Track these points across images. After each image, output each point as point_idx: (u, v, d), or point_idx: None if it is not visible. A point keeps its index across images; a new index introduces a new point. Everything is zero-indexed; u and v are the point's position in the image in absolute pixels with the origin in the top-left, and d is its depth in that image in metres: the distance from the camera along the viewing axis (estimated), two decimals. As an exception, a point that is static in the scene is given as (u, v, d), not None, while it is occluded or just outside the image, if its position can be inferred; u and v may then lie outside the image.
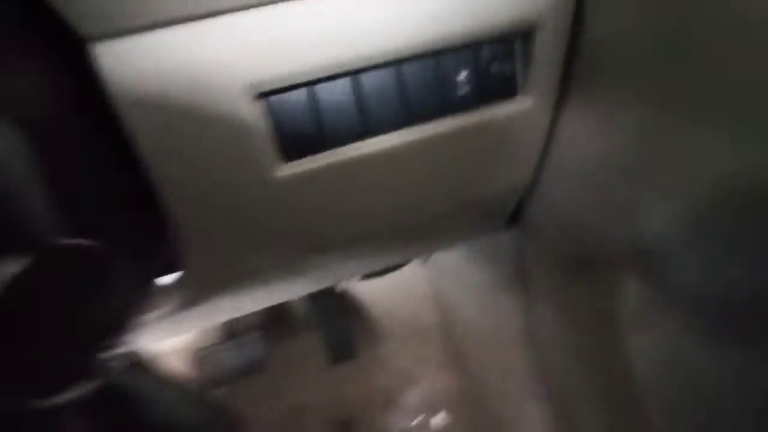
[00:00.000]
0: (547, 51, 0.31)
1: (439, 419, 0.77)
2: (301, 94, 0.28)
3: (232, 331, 0.73)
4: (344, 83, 0.29)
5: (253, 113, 0.27)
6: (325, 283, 0.45)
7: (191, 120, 0.26)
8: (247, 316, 0.74)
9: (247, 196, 0.29)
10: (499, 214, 0.43)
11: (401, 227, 0.37)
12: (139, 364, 0.19)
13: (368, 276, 0.57)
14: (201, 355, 0.72)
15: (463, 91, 0.31)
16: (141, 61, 0.23)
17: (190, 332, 0.72)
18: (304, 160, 0.29)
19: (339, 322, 0.73)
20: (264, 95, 0.27)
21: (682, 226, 0.28)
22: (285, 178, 0.29)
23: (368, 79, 0.29)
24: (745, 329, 0.26)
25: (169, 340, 0.72)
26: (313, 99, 0.28)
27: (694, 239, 0.27)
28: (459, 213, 0.38)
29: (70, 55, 0.22)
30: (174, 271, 0.36)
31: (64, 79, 0.21)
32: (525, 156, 0.36)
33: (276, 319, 0.76)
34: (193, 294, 0.37)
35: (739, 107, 0.23)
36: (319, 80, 0.28)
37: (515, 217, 0.47)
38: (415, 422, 0.74)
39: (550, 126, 0.35)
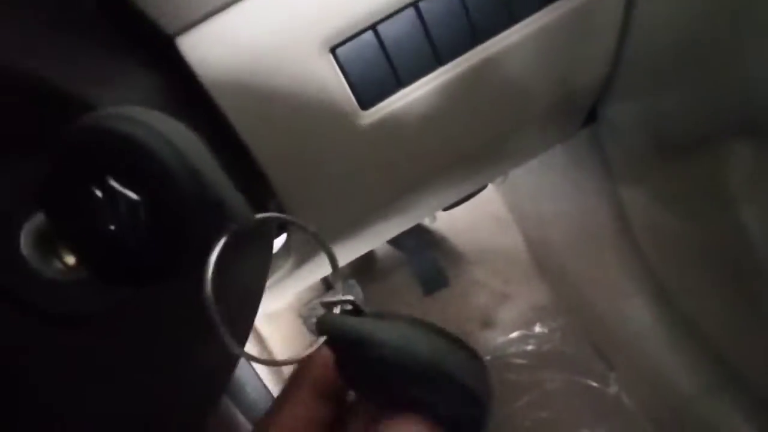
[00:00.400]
0: None
1: (536, 331, 0.79)
2: (368, 39, 0.28)
3: (328, 283, 0.78)
4: (407, 16, 0.28)
5: (330, 67, 0.27)
6: (415, 221, 0.47)
7: (277, 87, 0.27)
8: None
9: (336, 149, 0.30)
10: (577, 115, 0.41)
11: (482, 150, 0.37)
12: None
13: (448, 207, 0.58)
14: (306, 312, 0.77)
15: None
16: (223, 42, 0.24)
17: (293, 294, 0.77)
18: (382, 104, 0.30)
19: (426, 254, 0.75)
20: (336, 47, 0.27)
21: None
22: (368, 125, 0.30)
23: (429, 5, 0.28)
24: None
25: (273, 302, 0.78)
26: (380, 40, 0.28)
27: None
28: (538, 121, 0.37)
29: (163, 56, 0.24)
30: (281, 234, 0.38)
31: (165, 79, 0.23)
32: (602, 43, 0.34)
33: (364, 265, 0.79)
34: (300, 255, 0.40)
35: None
36: (383, 20, 0.28)
37: (591, 118, 0.45)
38: (514, 335, 0.77)
39: (626, 8, 0.32)
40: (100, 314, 0.15)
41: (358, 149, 0.31)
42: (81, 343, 0.15)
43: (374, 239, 0.45)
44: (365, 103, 0.29)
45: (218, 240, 0.13)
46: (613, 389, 0.69)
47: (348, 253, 0.45)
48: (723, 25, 0.28)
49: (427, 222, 0.79)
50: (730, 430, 0.49)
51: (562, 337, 0.76)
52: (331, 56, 0.27)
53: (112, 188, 0.12)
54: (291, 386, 0.21)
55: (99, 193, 0.12)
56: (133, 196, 0.12)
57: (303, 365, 0.22)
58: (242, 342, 0.26)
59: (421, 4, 0.28)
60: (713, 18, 0.29)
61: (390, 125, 0.30)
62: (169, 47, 0.24)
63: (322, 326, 0.18)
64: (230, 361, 0.24)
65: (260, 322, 0.80)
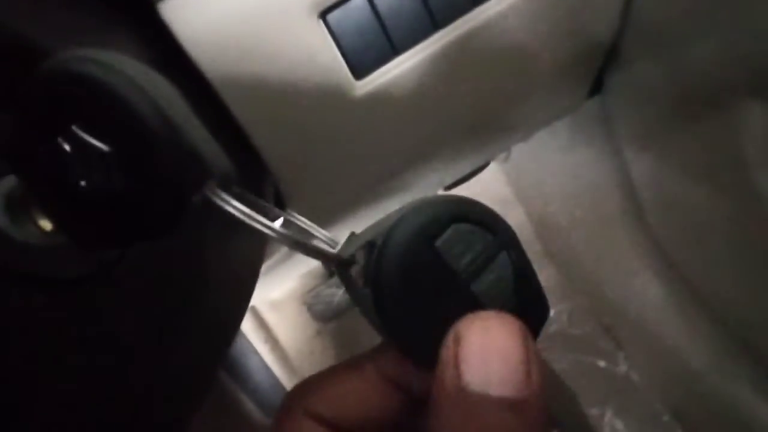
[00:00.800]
0: None
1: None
2: (360, 3, 0.27)
3: (331, 270, 0.77)
4: None
5: (319, 34, 0.26)
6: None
7: (263, 53, 0.26)
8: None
9: (329, 121, 0.29)
10: (585, 80, 0.40)
11: (485, 120, 0.36)
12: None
13: (449, 187, 0.57)
14: (310, 299, 0.77)
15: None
16: (207, 7, 0.23)
17: (296, 278, 0.77)
18: (376, 73, 0.29)
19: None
20: (326, 12, 0.26)
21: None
22: (362, 95, 0.29)
23: None
24: None
25: (277, 290, 0.78)
26: (372, 5, 0.27)
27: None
28: (545, 87, 0.36)
29: (145, 23, 0.23)
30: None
31: (148, 47, 0.22)
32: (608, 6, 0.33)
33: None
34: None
35: None
36: None
37: (596, 89, 0.44)
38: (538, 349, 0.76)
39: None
40: (83, 279, 0.15)
41: (352, 121, 0.30)
42: (63, 310, 0.14)
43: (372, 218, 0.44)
44: (359, 72, 0.28)
45: (198, 194, 0.12)
46: (622, 368, 0.68)
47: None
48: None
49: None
50: (741, 404, 0.48)
51: (569, 317, 0.75)
52: (321, 22, 0.26)
53: (79, 139, 0.11)
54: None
55: (66, 147, 0.12)
56: (102, 146, 0.11)
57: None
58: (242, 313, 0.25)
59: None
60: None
61: (386, 95, 0.29)
62: (151, 13, 0.23)
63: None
64: (231, 315, 0.23)
65: (265, 309, 0.79)
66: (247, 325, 0.76)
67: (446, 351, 0.14)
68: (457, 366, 0.14)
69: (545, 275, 0.76)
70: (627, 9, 0.34)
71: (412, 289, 0.15)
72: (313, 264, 0.59)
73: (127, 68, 0.12)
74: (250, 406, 0.68)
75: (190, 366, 0.18)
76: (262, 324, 0.78)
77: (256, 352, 0.75)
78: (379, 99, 0.29)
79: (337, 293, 0.75)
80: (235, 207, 0.13)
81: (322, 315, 0.78)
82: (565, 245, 0.70)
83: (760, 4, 0.26)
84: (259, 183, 0.31)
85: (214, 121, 0.26)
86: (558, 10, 0.31)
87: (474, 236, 0.17)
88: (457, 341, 0.14)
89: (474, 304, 0.16)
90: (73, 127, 0.11)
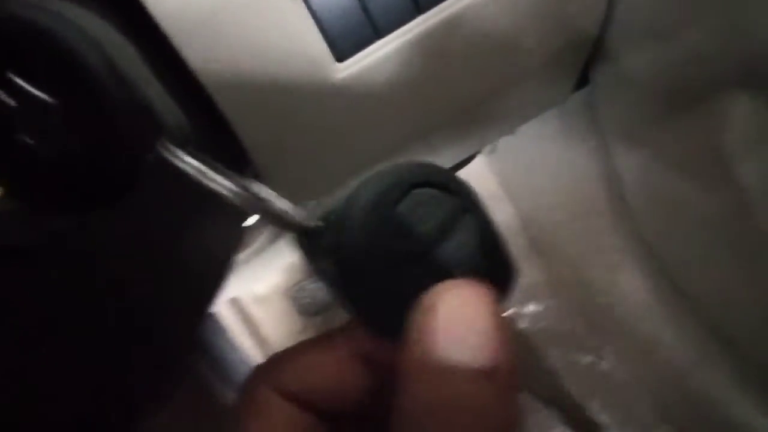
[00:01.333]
0: None
1: (530, 309, 0.78)
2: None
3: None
4: None
5: (301, 14, 0.26)
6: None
7: (243, 35, 0.25)
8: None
9: (310, 105, 0.29)
10: (573, 70, 0.40)
11: (471, 109, 0.35)
12: None
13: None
14: (295, 293, 0.76)
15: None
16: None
17: (281, 271, 0.76)
18: (359, 55, 0.28)
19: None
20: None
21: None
22: (344, 78, 0.28)
23: None
24: None
25: (262, 284, 0.77)
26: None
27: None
28: (532, 76, 0.36)
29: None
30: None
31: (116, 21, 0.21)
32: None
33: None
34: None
35: None
36: None
37: (583, 81, 0.44)
38: (506, 314, 0.76)
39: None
40: (35, 248, 0.14)
41: (334, 105, 0.29)
42: (16, 281, 0.14)
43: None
44: (341, 54, 0.28)
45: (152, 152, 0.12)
46: (607, 364, 0.68)
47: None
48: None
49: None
50: (725, 400, 0.48)
51: (556, 314, 0.75)
52: (302, 2, 0.26)
53: (22, 90, 0.11)
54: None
55: (9, 100, 0.11)
56: (47, 98, 0.11)
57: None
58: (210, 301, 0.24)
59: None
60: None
61: (368, 79, 0.29)
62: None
63: None
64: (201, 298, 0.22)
65: (251, 304, 0.79)
66: (231, 320, 0.75)
67: (414, 323, 0.14)
68: (426, 337, 0.13)
69: (534, 272, 0.76)
70: (613, 0, 0.33)
71: (375, 258, 0.15)
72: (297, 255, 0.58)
73: (77, 18, 0.11)
74: (233, 401, 0.67)
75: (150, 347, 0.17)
76: (247, 319, 0.77)
77: (240, 348, 0.74)
78: (360, 82, 0.29)
79: (323, 286, 0.74)
80: (190, 164, 0.12)
81: (308, 309, 0.77)
82: (552, 241, 0.70)
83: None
84: (238, 169, 0.30)
85: (192, 104, 0.25)
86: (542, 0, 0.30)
87: (436, 200, 0.16)
88: (425, 312, 0.14)
89: (440, 271, 0.15)
90: (14, 76, 0.10)
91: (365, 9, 0.27)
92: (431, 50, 0.29)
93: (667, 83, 0.36)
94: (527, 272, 0.79)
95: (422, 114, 0.33)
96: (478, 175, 0.76)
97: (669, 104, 0.37)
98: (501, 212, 0.78)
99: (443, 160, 0.45)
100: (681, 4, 0.30)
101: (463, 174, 0.60)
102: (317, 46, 0.27)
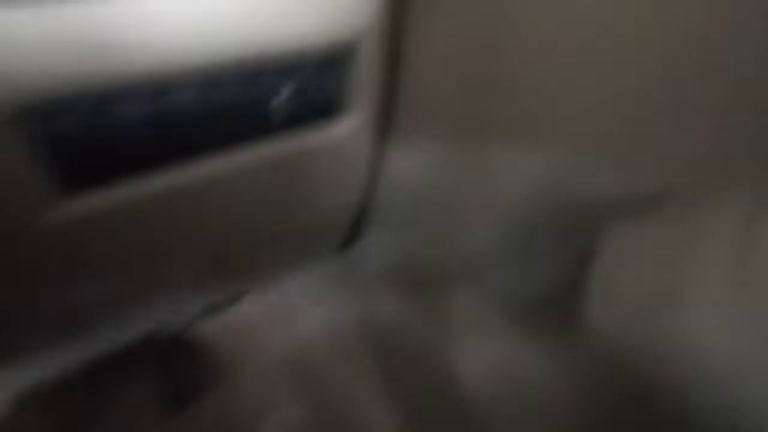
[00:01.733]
0: (367, 72, 0.31)
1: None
2: (87, 115, 0.24)
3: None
4: (144, 101, 0.25)
5: (21, 141, 0.22)
6: (149, 325, 0.41)
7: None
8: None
9: (21, 242, 0.24)
10: (333, 237, 0.43)
11: (227, 256, 0.35)
12: None
13: (208, 312, 0.53)
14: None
15: (281, 113, 0.30)
16: None
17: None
18: (91, 192, 0.25)
19: (183, 363, 0.66)
20: (34, 117, 0.22)
21: (502, 236, 0.31)
22: (68, 214, 0.25)
23: (171, 98, 0.26)
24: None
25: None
26: (103, 119, 0.25)
27: (511, 247, 0.30)
28: (290, 237, 0.37)
29: None
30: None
31: None
32: (352, 177, 0.37)
33: (108, 370, 0.65)
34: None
35: (537, 126, 0.26)
36: (112, 99, 0.24)
37: (353, 238, 0.47)
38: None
39: (378, 149, 0.36)
40: None
41: (50, 244, 0.25)
42: None
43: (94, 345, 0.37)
44: (72, 186, 0.25)
45: None
46: None
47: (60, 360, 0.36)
48: (450, 184, 0.33)
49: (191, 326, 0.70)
50: None
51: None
52: (24, 126, 0.23)
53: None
54: None
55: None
56: None
57: None
58: None
59: (162, 94, 0.26)
60: (444, 180, 0.33)
61: (97, 219, 0.26)
62: None
63: None
64: None
65: None
66: None
67: None
68: None
69: (301, 405, 0.73)
70: (371, 188, 0.38)
71: None
72: None
73: None
74: None
75: None
76: None
77: None
78: (89, 220, 0.26)
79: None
80: None
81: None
82: (320, 375, 0.70)
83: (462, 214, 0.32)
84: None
85: None
86: (297, 173, 0.33)
87: None
88: None
89: None
90: None
91: (111, 147, 0.25)
92: (179, 200, 0.28)
93: (410, 266, 0.41)
94: (296, 406, 0.76)
95: (167, 256, 0.31)
96: (253, 310, 0.74)
97: (413, 277, 0.42)
98: (276, 343, 0.75)
99: (208, 295, 0.43)
100: (421, 205, 0.36)
101: (239, 309, 0.58)
102: (33, 179, 0.23)
